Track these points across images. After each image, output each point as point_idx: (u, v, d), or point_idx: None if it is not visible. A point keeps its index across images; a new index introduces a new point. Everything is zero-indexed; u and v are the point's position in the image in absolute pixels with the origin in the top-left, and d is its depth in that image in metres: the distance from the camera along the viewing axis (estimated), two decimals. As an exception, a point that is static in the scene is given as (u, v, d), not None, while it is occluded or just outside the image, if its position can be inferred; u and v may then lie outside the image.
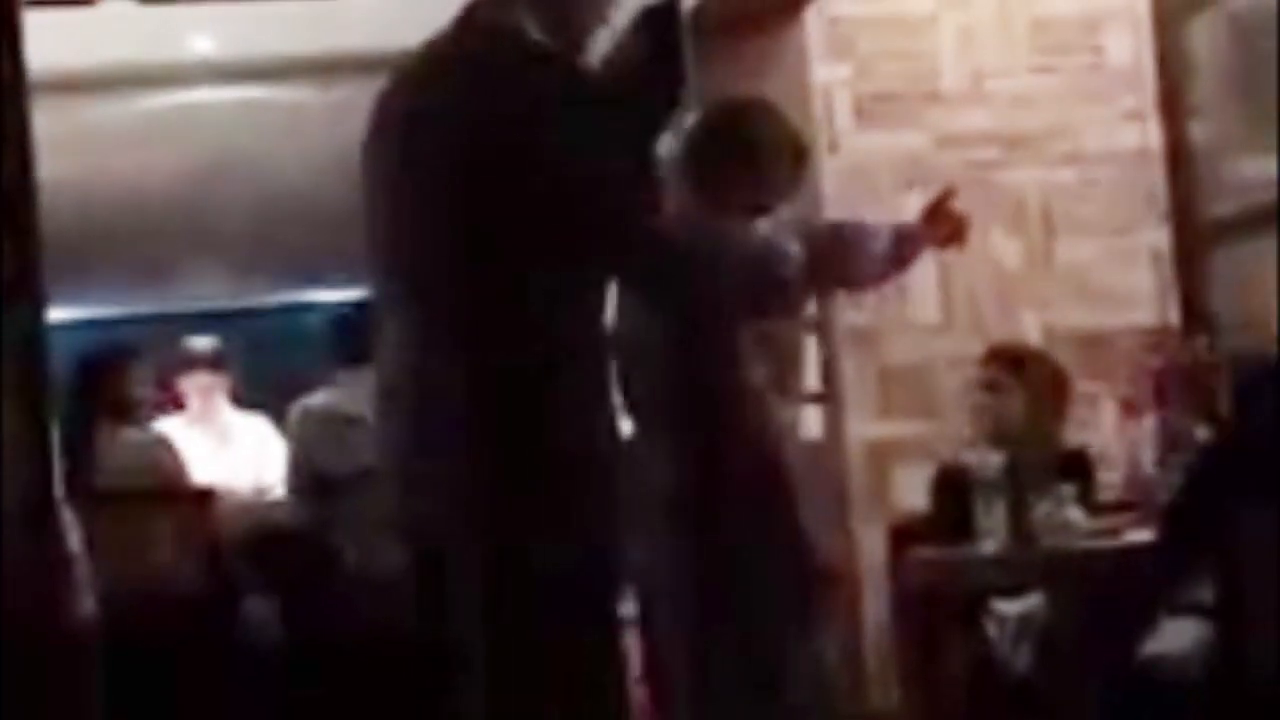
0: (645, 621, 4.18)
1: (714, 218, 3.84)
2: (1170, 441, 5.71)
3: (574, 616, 3.02)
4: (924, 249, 3.94)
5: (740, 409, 3.78)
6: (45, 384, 4.16)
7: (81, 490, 5.30)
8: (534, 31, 3.10)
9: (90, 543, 5.03)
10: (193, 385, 6.84)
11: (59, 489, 4.26)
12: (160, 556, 5.71)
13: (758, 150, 4.03)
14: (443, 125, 3.00)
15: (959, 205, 4.01)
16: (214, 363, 6.86)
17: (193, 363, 6.85)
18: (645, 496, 3.77)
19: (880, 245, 3.79)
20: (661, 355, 3.77)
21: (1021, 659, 4.71)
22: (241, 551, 5.95)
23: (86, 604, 4.28)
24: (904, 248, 3.84)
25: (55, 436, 4.31)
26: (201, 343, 6.94)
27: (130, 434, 5.92)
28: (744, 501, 3.74)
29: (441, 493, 3.03)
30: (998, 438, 5.03)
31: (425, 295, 3.04)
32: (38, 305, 4.16)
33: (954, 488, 4.93)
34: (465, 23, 3.15)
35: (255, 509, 6.35)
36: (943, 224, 3.89)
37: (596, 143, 2.99)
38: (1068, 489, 4.57)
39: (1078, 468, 5.05)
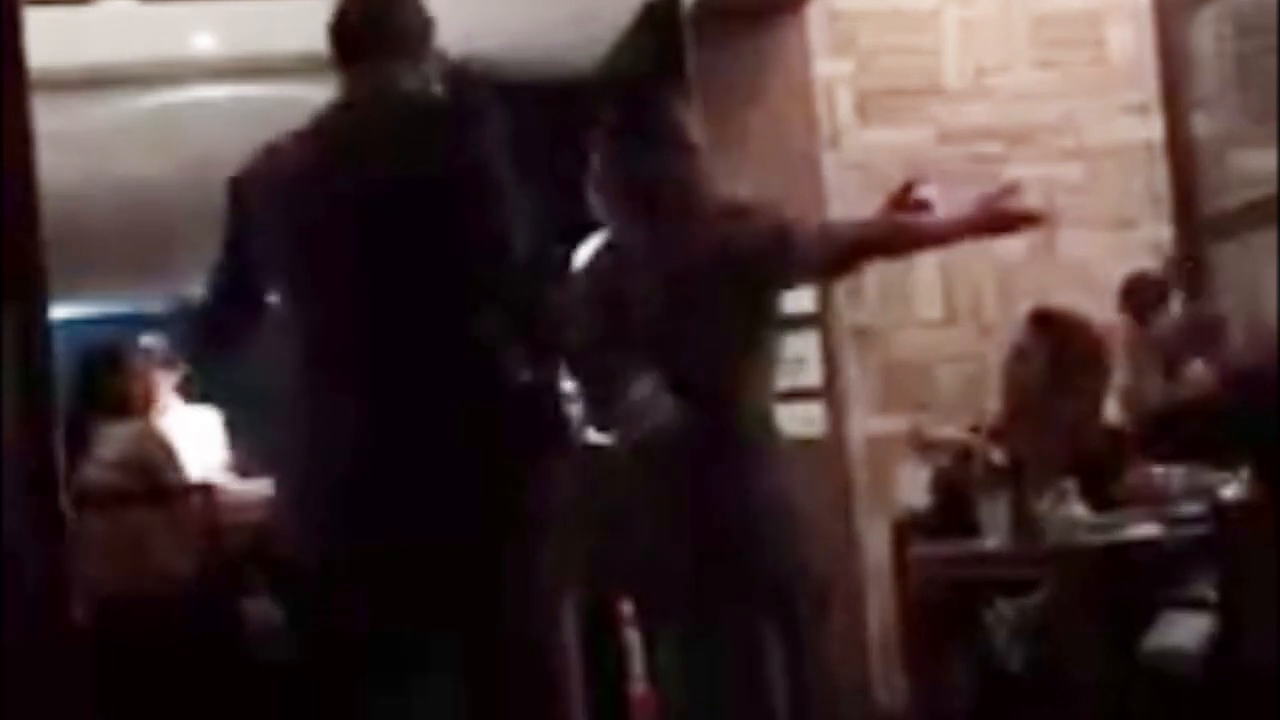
0: (644, 621, 4.17)
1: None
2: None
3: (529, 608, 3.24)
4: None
5: (731, 409, 3.76)
6: (48, 383, 4.16)
7: (75, 486, 5.30)
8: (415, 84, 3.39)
9: (87, 539, 5.03)
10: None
11: (61, 488, 4.25)
12: (158, 553, 5.71)
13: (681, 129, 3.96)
14: (366, 175, 3.26)
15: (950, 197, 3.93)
16: (166, 361, 6.75)
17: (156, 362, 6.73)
18: (639, 496, 3.75)
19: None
20: (654, 355, 3.74)
21: (1025, 654, 4.70)
22: (243, 549, 5.94)
23: (78, 606, 4.27)
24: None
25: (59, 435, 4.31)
26: (150, 340, 6.83)
27: (121, 428, 5.91)
28: (738, 500, 3.72)
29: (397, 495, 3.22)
30: (1023, 407, 4.94)
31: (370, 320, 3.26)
32: (40, 304, 4.15)
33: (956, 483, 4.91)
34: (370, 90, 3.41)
35: (257, 506, 6.33)
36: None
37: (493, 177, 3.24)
38: (1070, 483, 4.55)
39: (1113, 448, 4.96)
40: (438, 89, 3.43)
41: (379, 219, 3.23)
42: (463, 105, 3.35)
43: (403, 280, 3.22)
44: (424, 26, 3.46)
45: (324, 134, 3.35)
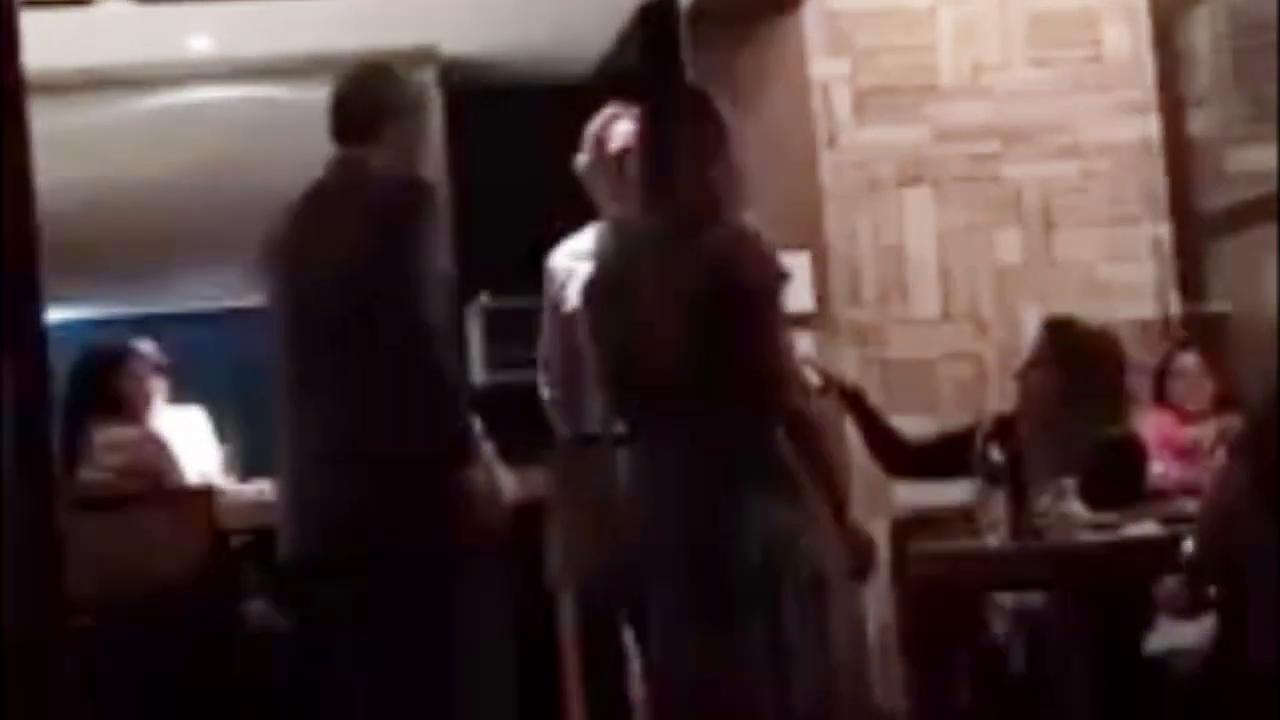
0: (640, 623, 4.17)
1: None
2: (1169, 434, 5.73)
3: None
4: None
5: (730, 408, 3.75)
6: (45, 385, 4.16)
7: (74, 489, 5.30)
8: (381, 165, 3.89)
9: (87, 542, 5.01)
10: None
11: (58, 491, 4.25)
12: (157, 555, 5.71)
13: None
14: (329, 235, 3.84)
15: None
16: (156, 364, 6.74)
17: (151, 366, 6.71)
18: (637, 501, 3.75)
19: None
20: (654, 365, 3.73)
21: (1025, 653, 4.70)
22: (243, 550, 5.94)
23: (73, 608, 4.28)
24: None
25: (55, 437, 4.30)
26: (143, 343, 6.81)
27: (119, 430, 5.91)
28: (736, 503, 3.71)
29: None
30: (1036, 415, 4.92)
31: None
32: (36, 305, 4.15)
33: None
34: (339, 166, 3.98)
35: (256, 508, 6.33)
36: None
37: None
38: (1070, 482, 4.55)
39: (1128, 453, 4.94)
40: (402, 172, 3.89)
41: (323, 282, 3.78)
42: (393, 197, 3.83)
43: (344, 329, 3.74)
44: (395, 114, 3.91)
45: (295, 210, 3.97)
